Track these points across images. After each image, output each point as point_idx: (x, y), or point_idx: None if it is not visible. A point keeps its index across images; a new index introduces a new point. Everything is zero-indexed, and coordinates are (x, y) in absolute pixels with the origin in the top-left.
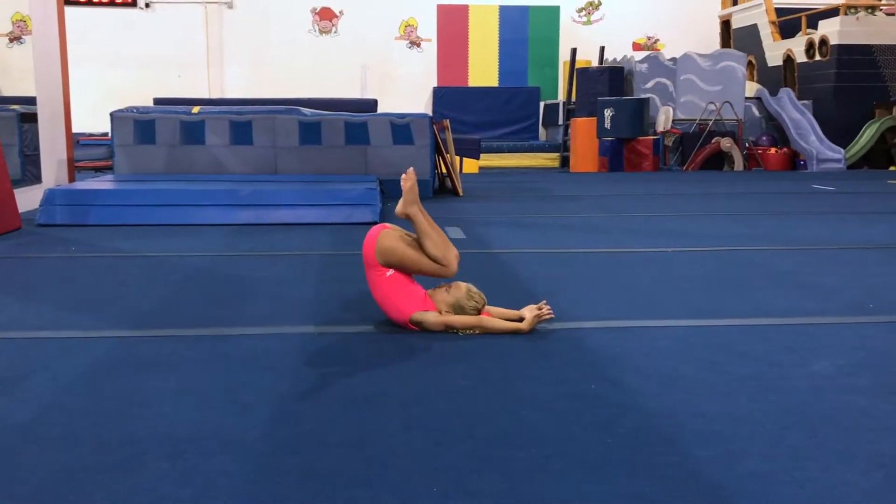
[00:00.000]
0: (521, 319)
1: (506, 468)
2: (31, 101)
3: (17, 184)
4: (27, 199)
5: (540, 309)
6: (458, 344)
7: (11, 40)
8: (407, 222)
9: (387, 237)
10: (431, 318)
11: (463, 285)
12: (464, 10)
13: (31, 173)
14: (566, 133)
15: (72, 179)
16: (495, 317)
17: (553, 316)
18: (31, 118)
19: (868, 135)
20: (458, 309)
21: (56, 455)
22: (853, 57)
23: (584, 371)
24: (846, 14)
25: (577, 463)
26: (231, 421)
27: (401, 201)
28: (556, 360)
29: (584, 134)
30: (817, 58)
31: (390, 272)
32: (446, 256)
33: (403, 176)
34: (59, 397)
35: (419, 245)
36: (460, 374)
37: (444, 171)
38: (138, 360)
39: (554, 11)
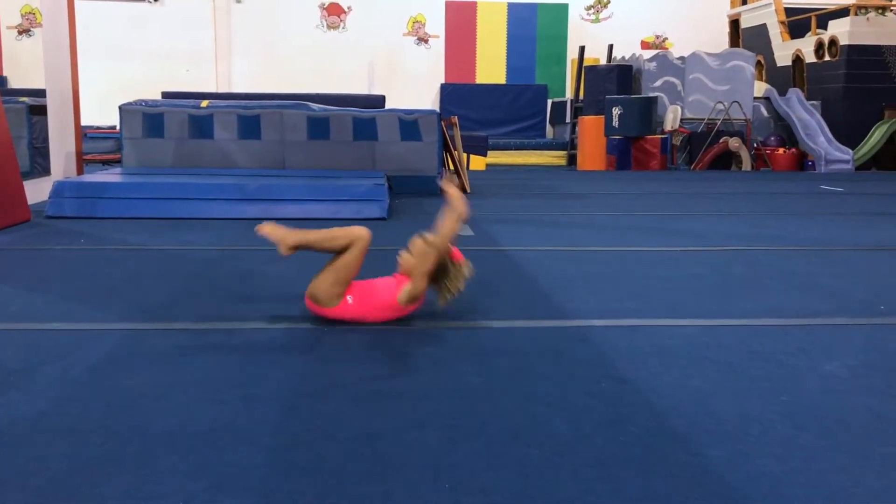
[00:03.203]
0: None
1: (519, 465)
2: (40, 93)
3: (25, 175)
4: (36, 190)
5: (451, 186)
6: (468, 340)
7: (20, 32)
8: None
9: (311, 287)
10: (411, 285)
11: (416, 238)
12: (472, 6)
13: (39, 165)
14: (573, 131)
15: (80, 172)
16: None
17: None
18: (41, 110)
19: (877, 136)
20: (423, 256)
21: (67, 447)
22: (863, 58)
23: (594, 369)
24: (856, 14)
25: (590, 461)
26: (242, 415)
27: (278, 246)
28: (567, 358)
29: (591, 132)
30: (827, 58)
31: (349, 299)
32: (349, 235)
33: (259, 230)
34: (70, 389)
35: (334, 258)
36: (471, 370)
37: (451, 167)
38: (148, 353)
39: (562, 9)
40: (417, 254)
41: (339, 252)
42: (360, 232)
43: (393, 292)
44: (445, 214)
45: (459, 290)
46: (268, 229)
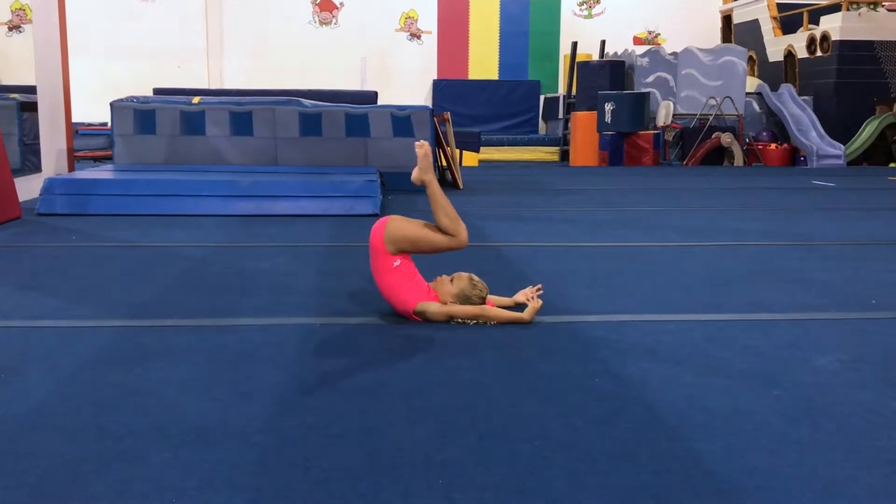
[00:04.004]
0: (516, 305)
1: (511, 461)
2: (30, 90)
3: (16, 173)
4: (27, 188)
5: (536, 295)
6: (461, 336)
7: (11, 29)
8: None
9: (395, 221)
10: (434, 308)
11: (465, 275)
12: (464, 2)
13: (30, 162)
14: (566, 127)
15: (71, 169)
16: (495, 306)
17: (542, 303)
18: (31, 107)
19: (868, 131)
20: (464, 299)
21: (58, 445)
22: (854, 53)
23: (587, 365)
24: (848, 10)
25: (582, 456)
26: (233, 412)
27: (416, 168)
28: (560, 353)
29: (584, 128)
30: (818, 53)
31: (397, 262)
32: (457, 227)
33: (417, 144)
34: (61, 387)
35: (428, 225)
36: (464, 366)
37: (444, 163)
38: (139, 350)
39: (555, 4)
40: (457, 295)
41: (438, 228)
42: (464, 235)
43: (417, 298)
44: (528, 308)
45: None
46: (424, 151)
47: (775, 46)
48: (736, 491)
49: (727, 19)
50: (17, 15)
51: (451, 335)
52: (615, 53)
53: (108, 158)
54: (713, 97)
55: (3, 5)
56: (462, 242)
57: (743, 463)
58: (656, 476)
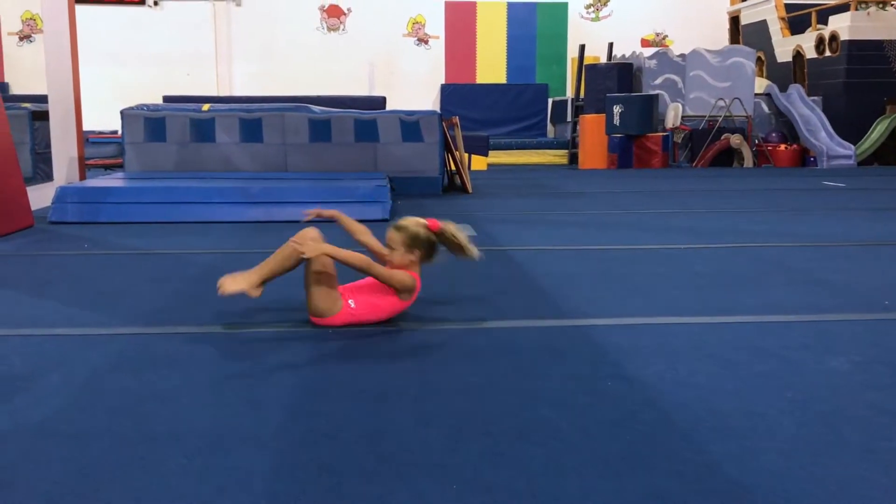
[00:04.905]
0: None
1: (523, 464)
2: (41, 99)
3: (28, 181)
4: (39, 196)
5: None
6: (470, 341)
7: (21, 39)
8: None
9: (309, 306)
10: (399, 276)
11: (392, 232)
12: (471, 6)
13: (42, 171)
14: (574, 130)
15: (82, 177)
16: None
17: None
18: (43, 116)
19: (878, 131)
20: (413, 241)
21: (73, 452)
22: (864, 52)
23: (598, 368)
24: (857, 9)
25: (594, 459)
26: (246, 417)
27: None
28: (570, 356)
29: (592, 130)
30: (827, 53)
31: (351, 302)
32: (293, 256)
33: (295, 246)
34: (75, 394)
35: (307, 274)
36: (474, 370)
37: (453, 168)
38: (153, 357)
39: (562, 7)
40: (405, 241)
41: (296, 264)
42: (302, 249)
43: (392, 293)
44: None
45: (464, 244)
46: (299, 251)
47: (783, 47)
48: (749, 493)
49: (735, 20)
50: (28, 25)
51: (462, 339)
52: (623, 56)
53: (119, 166)
54: (722, 98)
55: (14, 15)
56: (300, 252)
57: (756, 465)
58: (669, 478)
